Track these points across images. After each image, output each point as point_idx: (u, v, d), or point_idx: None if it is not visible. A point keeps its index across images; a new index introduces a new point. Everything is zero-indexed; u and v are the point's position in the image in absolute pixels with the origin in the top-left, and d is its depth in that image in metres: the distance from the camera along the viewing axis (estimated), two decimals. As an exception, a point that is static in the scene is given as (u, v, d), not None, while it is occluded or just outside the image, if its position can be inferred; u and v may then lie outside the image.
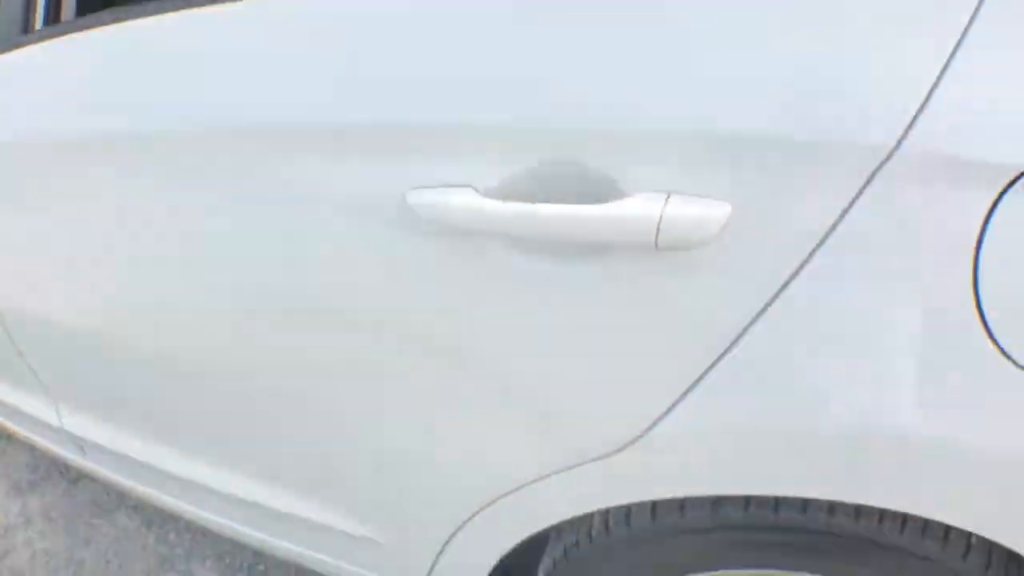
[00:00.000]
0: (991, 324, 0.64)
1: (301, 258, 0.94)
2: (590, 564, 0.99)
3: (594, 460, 0.86)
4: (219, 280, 1.04)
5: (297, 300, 0.98)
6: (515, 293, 0.82)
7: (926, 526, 0.79)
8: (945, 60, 0.61)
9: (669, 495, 0.85)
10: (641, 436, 0.81)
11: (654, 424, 0.80)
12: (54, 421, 1.44)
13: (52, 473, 1.87)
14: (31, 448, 1.93)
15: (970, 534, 0.78)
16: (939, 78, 0.61)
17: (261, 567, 1.69)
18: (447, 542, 1.07)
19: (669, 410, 0.79)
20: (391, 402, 0.99)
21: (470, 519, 1.02)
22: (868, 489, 0.76)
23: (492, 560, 1.05)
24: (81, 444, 1.45)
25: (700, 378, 0.77)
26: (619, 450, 0.84)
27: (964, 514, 0.74)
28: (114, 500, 1.82)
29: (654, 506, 0.90)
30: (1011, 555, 0.78)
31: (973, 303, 0.64)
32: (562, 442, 0.88)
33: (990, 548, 0.79)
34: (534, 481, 0.92)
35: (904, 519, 0.80)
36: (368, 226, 0.86)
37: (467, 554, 1.08)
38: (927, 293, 0.66)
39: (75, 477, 1.87)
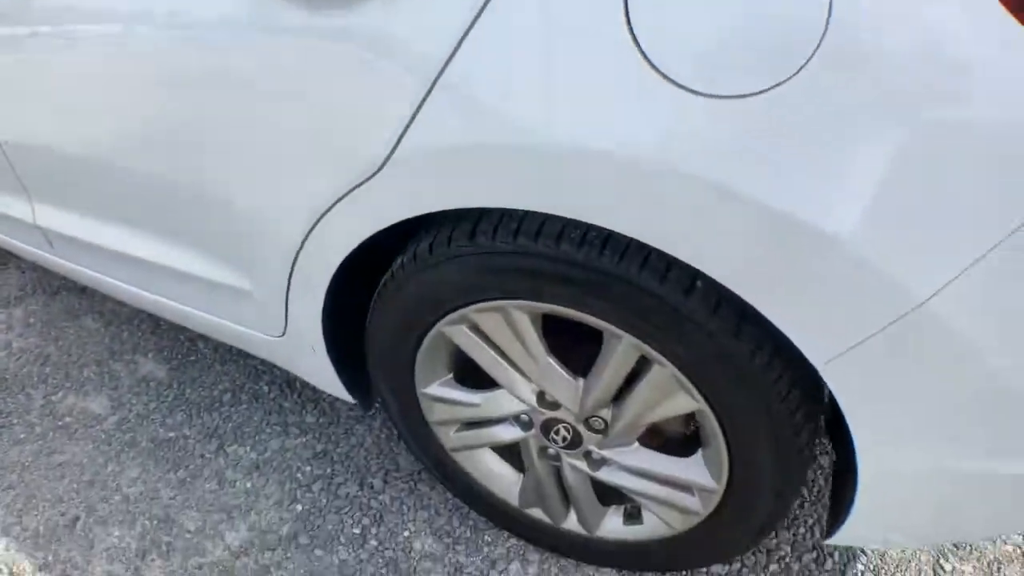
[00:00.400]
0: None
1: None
2: (406, 284, 1.08)
3: (361, 184, 0.96)
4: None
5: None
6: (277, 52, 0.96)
7: (646, 260, 0.85)
8: None
9: (425, 210, 0.94)
10: (388, 158, 0.91)
11: (394, 149, 0.89)
12: (30, 220, 1.66)
13: (36, 290, 2.15)
14: (22, 270, 2.22)
15: (696, 275, 0.83)
16: None
17: (192, 357, 1.89)
18: (289, 287, 1.19)
19: (403, 136, 0.88)
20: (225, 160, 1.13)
21: (297, 259, 1.13)
22: (561, 199, 0.84)
23: (322, 294, 1.15)
24: (48, 237, 1.66)
25: (421, 104, 0.85)
26: (376, 172, 0.93)
27: (636, 224, 0.81)
28: (84, 307, 2.08)
29: (436, 238, 0.99)
30: (745, 309, 0.81)
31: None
32: (335, 172, 0.98)
33: (718, 293, 0.83)
34: (328, 211, 1.02)
35: (625, 250, 0.85)
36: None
37: (306, 301, 1.19)
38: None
39: (55, 290, 2.14)
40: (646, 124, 0.73)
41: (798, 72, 0.66)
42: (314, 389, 1.73)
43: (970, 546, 1.41)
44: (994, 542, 1.41)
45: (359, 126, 0.93)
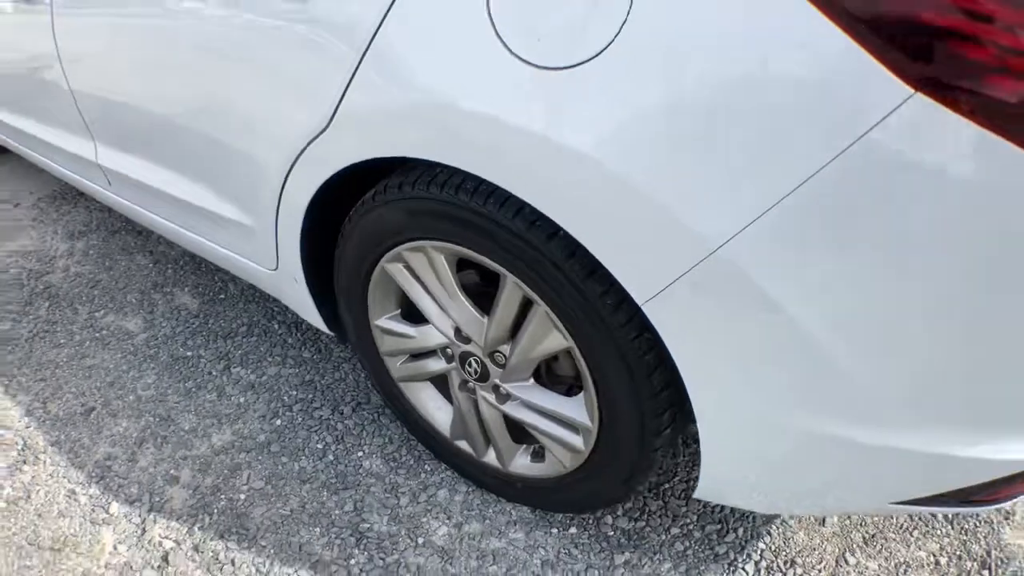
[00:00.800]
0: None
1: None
2: (357, 226, 1.30)
3: (316, 138, 1.20)
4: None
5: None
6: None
7: (520, 210, 1.03)
8: None
9: (366, 157, 1.15)
10: (333, 118, 1.15)
11: (337, 108, 1.13)
12: (93, 159, 1.96)
13: (99, 227, 2.47)
14: (89, 209, 2.54)
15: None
16: None
17: (222, 295, 2.16)
18: (276, 224, 1.43)
19: (342, 99, 1.12)
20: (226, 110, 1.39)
21: (280, 199, 1.37)
22: (457, 153, 1.03)
23: (298, 229, 1.38)
24: (108, 176, 1.96)
25: (355, 70, 1.08)
26: (324, 128, 1.17)
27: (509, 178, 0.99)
28: (138, 246, 2.38)
29: (378, 187, 1.22)
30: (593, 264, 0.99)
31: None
32: (300, 127, 1.22)
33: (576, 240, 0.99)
34: (297, 158, 1.26)
35: (505, 201, 1.04)
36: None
37: (289, 236, 1.42)
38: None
39: (115, 229, 2.45)
40: (496, 88, 0.92)
41: (605, 48, 0.84)
42: (315, 331, 1.97)
43: (881, 543, 1.44)
44: (908, 545, 1.44)
45: (314, 90, 1.15)
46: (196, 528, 1.48)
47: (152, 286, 2.21)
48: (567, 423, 1.24)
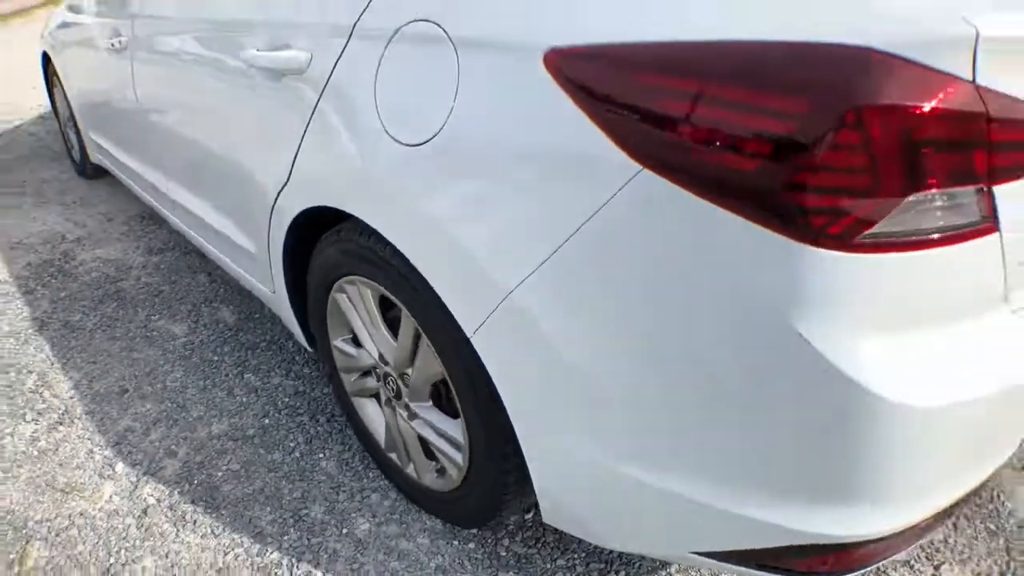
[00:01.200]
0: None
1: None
2: (317, 260, 1.64)
3: (283, 187, 1.58)
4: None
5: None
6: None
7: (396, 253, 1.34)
8: None
9: (308, 205, 1.52)
10: (290, 177, 1.53)
11: (292, 170, 1.52)
12: (160, 186, 2.43)
13: (175, 247, 2.94)
14: (169, 230, 3.02)
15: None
16: None
17: (257, 315, 2.55)
18: (270, 254, 1.80)
19: (294, 163, 1.50)
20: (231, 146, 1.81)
21: (269, 233, 1.74)
22: (356, 206, 1.37)
23: (279, 261, 1.75)
24: (175, 207, 2.41)
25: (300, 142, 1.47)
26: (287, 181, 1.55)
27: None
28: (202, 267, 2.82)
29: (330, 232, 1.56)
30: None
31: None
32: (276, 176, 1.60)
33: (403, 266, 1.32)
34: (275, 201, 1.64)
35: (387, 244, 1.35)
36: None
37: (277, 266, 1.79)
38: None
39: (187, 251, 2.91)
40: (376, 157, 1.26)
41: (433, 137, 1.14)
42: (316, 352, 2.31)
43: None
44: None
45: (283, 152, 1.51)
46: (176, 492, 1.82)
47: (203, 300, 2.63)
48: (453, 442, 1.50)
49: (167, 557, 1.65)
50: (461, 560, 1.64)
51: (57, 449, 1.95)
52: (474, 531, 1.71)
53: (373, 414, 1.79)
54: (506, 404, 1.23)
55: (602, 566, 1.64)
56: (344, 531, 1.72)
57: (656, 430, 1.06)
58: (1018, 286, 1.01)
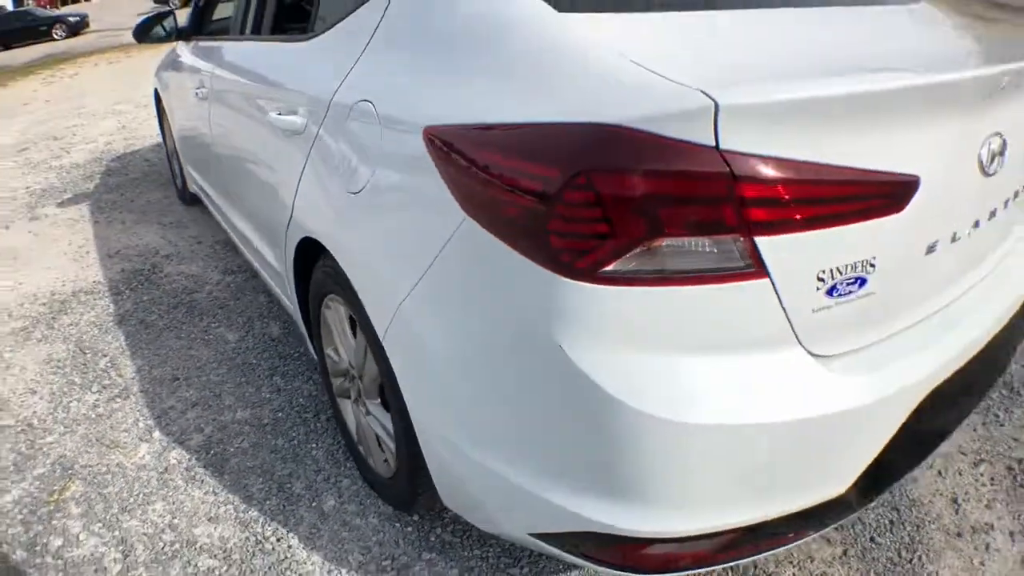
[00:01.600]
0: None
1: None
2: (315, 276, 2.06)
3: (290, 220, 2.04)
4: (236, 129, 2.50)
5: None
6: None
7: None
8: None
9: (305, 234, 1.95)
10: (292, 212, 1.97)
11: (293, 206, 1.98)
12: (229, 215, 2.98)
13: (247, 271, 3.47)
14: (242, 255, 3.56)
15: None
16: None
17: (299, 332, 3.01)
18: (287, 274, 2.26)
19: (294, 201, 1.97)
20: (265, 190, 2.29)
21: (285, 260, 2.21)
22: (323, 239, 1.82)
23: (292, 284, 2.22)
24: (238, 233, 2.95)
25: (297, 189, 1.94)
26: (291, 217, 2.01)
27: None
28: (263, 287, 3.33)
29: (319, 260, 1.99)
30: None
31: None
32: (283, 213, 2.07)
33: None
34: (285, 235, 2.11)
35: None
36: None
37: (291, 281, 2.25)
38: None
39: (255, 274, 3.43)
40: (329, 204, 1.68)
41: (365, 185, 1.54)
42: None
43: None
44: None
45: (289, 190, 1.95)
46: (194, 459, 2.26)
47: (258, 315, 3.12)
48: (389, 434, 1.86)
49: (173, 503, 2.08)
50: (397, 539, 1.99)
51: (111, 416, 2.45)
52: (415, 517, 2.05)
53: (350, 412, 2.19)
54: (405, 399, 1.58)
55: (510, 560, 1.93)
56: (314, 504, 2.10)
57: (490, 423, 1.36)
58: (818, 333, 1.22)
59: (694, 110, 1.05)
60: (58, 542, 1.96)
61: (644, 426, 1.16)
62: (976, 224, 1.47)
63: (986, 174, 1.40)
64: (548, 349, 1.19)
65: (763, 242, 1.13)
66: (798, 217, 1.14)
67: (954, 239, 1.41)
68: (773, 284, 1.15)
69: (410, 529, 2.01)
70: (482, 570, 1.88)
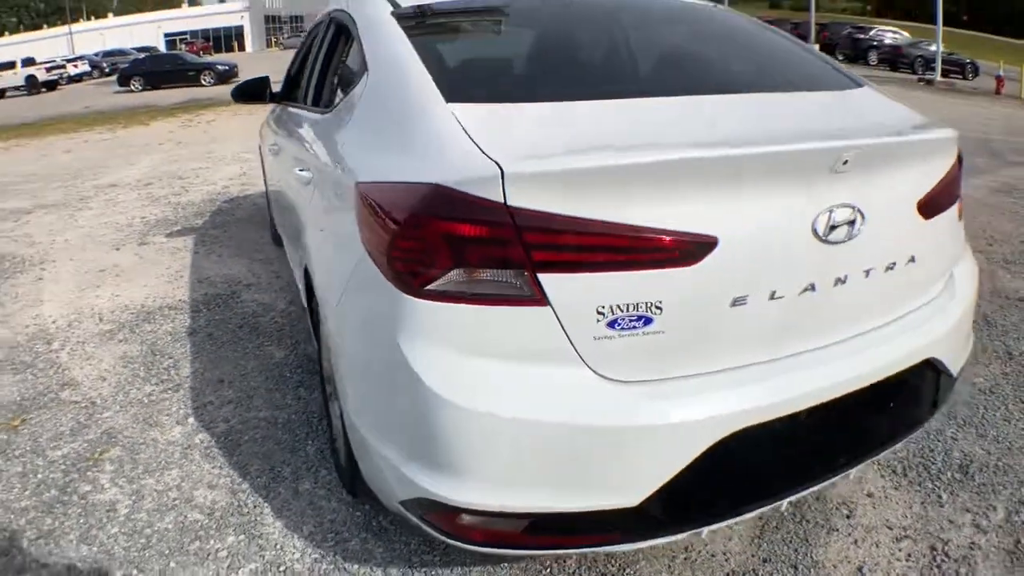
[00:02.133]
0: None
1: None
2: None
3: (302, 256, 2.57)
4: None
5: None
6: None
7: None
8: None
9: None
10: (303, 252, 2.51)
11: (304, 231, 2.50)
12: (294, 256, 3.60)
13: (297, 299, 4.04)
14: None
15: None
16: None
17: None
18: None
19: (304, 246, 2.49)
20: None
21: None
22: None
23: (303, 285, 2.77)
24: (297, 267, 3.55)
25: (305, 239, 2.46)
26: (303, 252, 2.55)
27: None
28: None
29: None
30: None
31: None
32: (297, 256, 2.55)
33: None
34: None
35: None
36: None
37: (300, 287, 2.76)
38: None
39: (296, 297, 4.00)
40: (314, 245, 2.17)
41: (328, 224, 2.02)
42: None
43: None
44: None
45: (302, 230, 2.48)
46: (214, 442, 2.77)
47: (305, 339, 3.67)
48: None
49: (186, 471, 2.59)
50: (346, 520, 2.38)
51: (160, 403, 3.03)
52: (367, 506, 2.45)
53: (332, 410, 2.63)
54: (339, 392, 2.02)
55: (426, 548, 2.23)
56: (293, 485, 2.54)
57: (373, 409, 1.79)
58: (604, 358, 1.51)
59: (488, 176, 1.44)
60: (87, 488, 2.50)
61: (448, 411, 1.52)
62: (812, 287, 1.64)
63: (825, 241, 1.61)
64: (394, 348, 1.59)
65: (545, 278, 1.46)
66: (576, 260, 1.48)
67: (773, 297, 1.60)
68: (554, 311, 1.47)
69: (359, 514, 2.41)
70: (402, 552, 2.23)
